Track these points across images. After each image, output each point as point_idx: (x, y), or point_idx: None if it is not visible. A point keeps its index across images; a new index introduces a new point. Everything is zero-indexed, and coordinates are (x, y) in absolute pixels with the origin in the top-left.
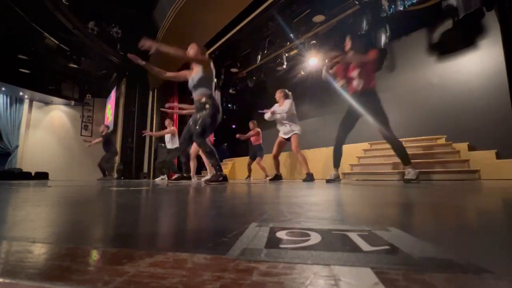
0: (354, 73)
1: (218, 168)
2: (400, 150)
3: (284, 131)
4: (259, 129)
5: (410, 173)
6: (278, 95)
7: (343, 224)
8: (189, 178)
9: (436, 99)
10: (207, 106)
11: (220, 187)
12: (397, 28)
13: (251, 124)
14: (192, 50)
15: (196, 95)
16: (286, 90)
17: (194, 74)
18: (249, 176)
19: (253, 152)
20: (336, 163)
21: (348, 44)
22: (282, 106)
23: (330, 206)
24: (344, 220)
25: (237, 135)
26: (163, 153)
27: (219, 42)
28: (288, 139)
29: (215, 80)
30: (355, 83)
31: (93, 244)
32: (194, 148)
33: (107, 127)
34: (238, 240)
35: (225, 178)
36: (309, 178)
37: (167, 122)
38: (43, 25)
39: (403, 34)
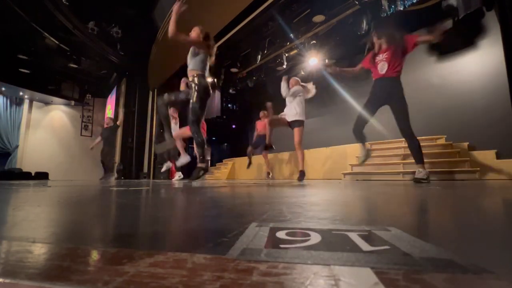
0: (381, 57)
1: (202, 159)
2: (415, 148)
3: (291, 114)
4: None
5: (421, 172)
6: (294, 82)
7: (343, 224)
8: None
9: (436, 99)
10: (193, 85)
11: (221, 187)
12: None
13: (261, 114)
14: (194, 33)
15: (188, 72)
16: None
17: (191, 52)
18: (250, 163)
19: (257, 142)
20: (362, 140)
21: (374, 37)
22: (308, 85)
23: (330, 206)
24: (344, 220)
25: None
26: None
27: (219, 42)
28: (291, 126)
29: (210, 64)
30: (379, 67)
31: (93, 244)
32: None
33: (112, 119)
34: (238, 240)
35: (205, 169)
36: (302, 176)
37: (171, 110)
38: (43, 25)
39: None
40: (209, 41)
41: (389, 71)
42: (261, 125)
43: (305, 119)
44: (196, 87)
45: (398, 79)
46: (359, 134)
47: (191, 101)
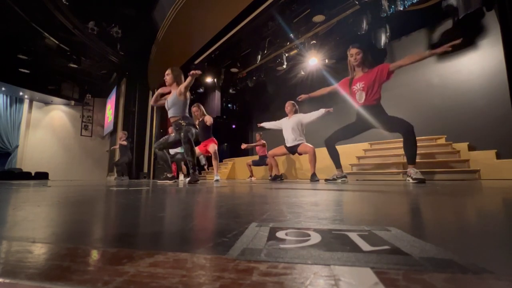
0: (357, 87)
1: (193, 167)
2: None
3: (289, 139)
4: (264, 141)
5: (417, 173)
6: (290, 107)
7: (343, 224)
8: (172, 178)
9: (436, 99)
10: (183, 125)
11: (221, 187)
12: (397, 28)
13: (257, 136)
14: (168, 77)
15: (170, 115)
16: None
17: (170, 97)
18: (251, 176)
19: (258, 161)
20: (337, 163)
21: (358, 55)
22: (308, 116)
23: (330, 206)
24: (344, 220)
25: (243, 146)
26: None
27: (219, 42)
28: (293, 150)
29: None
30: (357, 96)
31: (93, 244)
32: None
33: (125, 133)
34: (238, 240)
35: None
36: (315, 178)
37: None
38: (43, 25)
39: (403, 34)
40: (181, 81)
41: (367, 100)
42: (259, 148)
43: (304, 138)
44: (185, 129)
45: (379, 105)
46: (332, 147)
47: (182, 133)
